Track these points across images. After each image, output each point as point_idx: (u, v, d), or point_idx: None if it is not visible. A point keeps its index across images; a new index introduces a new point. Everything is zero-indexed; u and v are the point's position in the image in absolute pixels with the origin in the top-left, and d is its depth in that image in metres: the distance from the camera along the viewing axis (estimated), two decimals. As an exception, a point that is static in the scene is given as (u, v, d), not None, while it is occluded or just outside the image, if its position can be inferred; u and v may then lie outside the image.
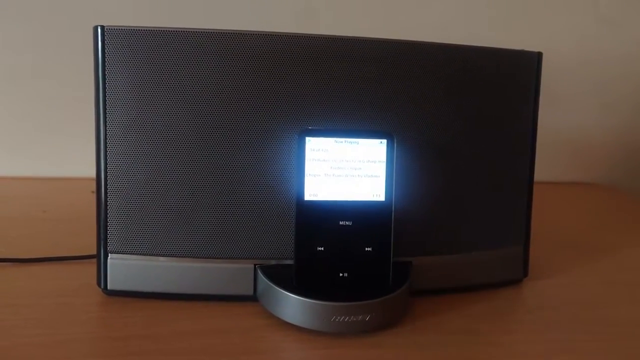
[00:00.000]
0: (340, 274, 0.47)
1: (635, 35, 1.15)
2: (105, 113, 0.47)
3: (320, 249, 0.46)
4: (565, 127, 1.15)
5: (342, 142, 0.46)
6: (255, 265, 0.49)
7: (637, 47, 1.15)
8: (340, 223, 0.46)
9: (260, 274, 0.48)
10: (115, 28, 0.46)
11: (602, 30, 1.13)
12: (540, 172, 0.58)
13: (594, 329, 0.49)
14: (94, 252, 0.49)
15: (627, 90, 1.17)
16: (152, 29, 0.46)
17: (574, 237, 0.78)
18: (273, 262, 0.49)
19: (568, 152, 1.16)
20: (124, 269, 0.48)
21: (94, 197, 0.49)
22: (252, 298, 0.49)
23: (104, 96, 0.47)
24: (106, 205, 0.48)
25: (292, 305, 0.45)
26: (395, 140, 0.47)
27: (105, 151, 0.47)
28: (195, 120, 0.47)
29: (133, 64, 0.46)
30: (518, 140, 0.55)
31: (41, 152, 0.99)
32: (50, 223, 0.72)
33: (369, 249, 0.47)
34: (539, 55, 0.54)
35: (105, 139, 0.47)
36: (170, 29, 0.46)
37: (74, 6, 0.95)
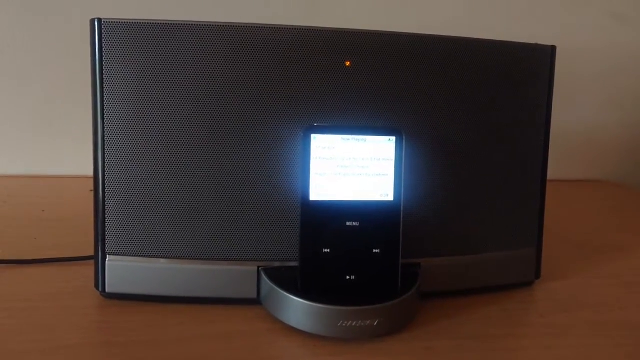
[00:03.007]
0: (347, 277, 0.45)
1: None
2: (102, 110, 0.45)
3: (326, 250, 0.45)
4: (576, 124, 1.13)
5: (349, 139, 0.45)
6: (259, 267, 0.47)
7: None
8: (347, 224, 0.45)
9: (264, 277, 0.47)
10: (113, 21, 0.45)
11: (614, 26, 1.11)
12: (551, 170, 0.56)
13: (610, 333, 0.47)
14: (92, 252, 0.48)
15: (638, 87, 1.15)
16: (151, 22, 0.45)
17: (587, 236, 0.76)
18: (277, 264, 0.47)
19: (579, 150, 1.14)
20: (122, 271, 0.47)
21: (91, 196, 0.47)
22: (256, 301, 0.47)
23: (102, 92, 0.45)
24: (104, 205, 0.46)
25: (297, 309, 0.44)
26: (404, 138, 0.45)
27: (103, 149, 0.46)
28: (197, 117, 0.46)
29: (131, 58, 0.45)
30: (531, 137, 0.53)
31: (40, 151, 0.97)
32: (49, 223, 0.71)
33: (376, 250, 0.45)
34: (552, 49, 0.52)
35: (103, 136, 0.46)
36: (169, 22, 0.45)
37: (71, 3, 0.93)
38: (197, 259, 0.47)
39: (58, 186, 0.92)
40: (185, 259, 0.47)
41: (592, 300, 0.54)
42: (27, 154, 0.97)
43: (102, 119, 0.46)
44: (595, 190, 1.11)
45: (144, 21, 0.45)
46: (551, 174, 0.55)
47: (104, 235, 0.47)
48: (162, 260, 0.47)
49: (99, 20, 0.45)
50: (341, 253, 0.45)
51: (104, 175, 0.46)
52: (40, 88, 0.96)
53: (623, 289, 0.57)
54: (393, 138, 0.45)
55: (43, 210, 0.76)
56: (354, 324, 0.43)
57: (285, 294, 0.44)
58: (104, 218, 0.46)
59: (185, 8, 0.96)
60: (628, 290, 0.57)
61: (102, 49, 0.45)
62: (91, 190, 0.47)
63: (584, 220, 0.86)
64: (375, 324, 0.43)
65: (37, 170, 0.97)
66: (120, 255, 0.47)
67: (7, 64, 0.95)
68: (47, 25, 0.94)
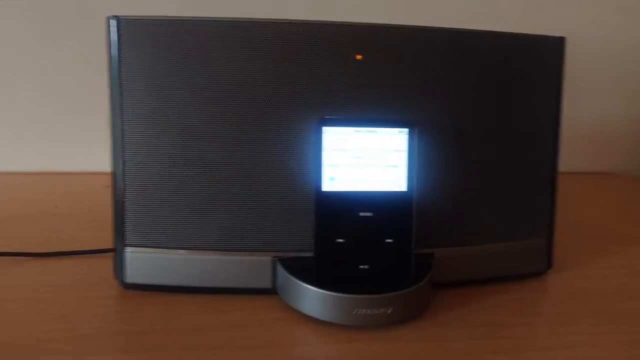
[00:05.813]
0: (361, 266, 0.46)
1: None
2: (121, 107, 0.46)
3: (340, 240, 0.45)
4: (587, 117, 1.13)
5: (361, 131, 0.45)
6: (274, 257, 0.48)
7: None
8: (361, 214, 0.45)
9: (279, 267, 0.47)
10: (131, 18, 0.45)
11: (623, 19, 1.10)
12: (563, 162, 0.56)
13: (620, 322, 0.48)
14: (108, 246, 0.49)
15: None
16: (168, 18, 0.46)
17: (598, 228, 0.76)
18: (292, 254, 0.48)
19: (590, 142, 1.14)
20: (141, 262, 0.48)
21: (105, 191, 0.48)
22: (271, 291, 0.48)
23: (120, 88, 0.46)
24: (123, 198, 0.47)
25: (312, 298, 0.44)
26: (416, 129, 0.46)
27: (122, 145, 0.47)
28: (212, 111, 0.47)
29: (149, 55, 0.46)
30: (542, 128, 0.53)
31: (51, 147, 0.98)
32: (62, 218, 0.72)
33: (390, 240, 0.46)
34: (562, 41, 0.53)
35: (122, 132, 0.47)
36: (186, 19, 0.46)
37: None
38: (214, 249, 0.48)
39: (70, 183, 0.93)
40: (203, 249, 0.48)
41: (602, 290, 0.54)
42: (40, 151, 0.98)
43: (121, 114, 0.46)
44: (606, 182, 1.11)
45: (161, 18, 0.46)
46: (564, 166, 0.55)
47: (123, 227, 0.47)
48: (180, 251, 0.48)
49: (117, 17, 0.46)
50: (355, 243, 0.46)
51: (123, 170, 0.47)
52: (54, 85, 0.97)
53: (633, 278, 0.57)
54: (405, 130, 0.46)
55: (56, 206, 0.76)
56: (368, 312, 0.43)
57: (301, 283, 0.45)
58: (123, 210, 0.47)
59: (201, 5, 0.97)
60: (638, 280, 0.57)
61: (120, 47, 0.46)
62: (106, 186, 0.48)
63: (594, 212, 0.86)
64: (389, 311, 0.44)
65: (50, 167, 0.98)
66: (139, 246, 0.48)
67: (20, 61, 0.96)
68: (60, 21, 0.95)
